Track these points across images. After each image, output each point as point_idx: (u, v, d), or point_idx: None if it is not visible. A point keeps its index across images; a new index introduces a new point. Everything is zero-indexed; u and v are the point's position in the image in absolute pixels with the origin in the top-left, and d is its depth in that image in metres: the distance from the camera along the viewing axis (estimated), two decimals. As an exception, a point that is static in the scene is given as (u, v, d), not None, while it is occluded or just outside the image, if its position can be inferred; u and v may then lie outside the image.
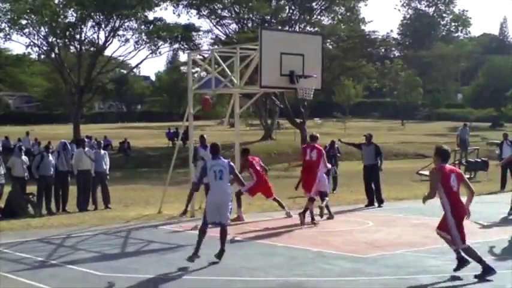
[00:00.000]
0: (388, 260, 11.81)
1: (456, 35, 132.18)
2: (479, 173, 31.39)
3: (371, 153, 21.12)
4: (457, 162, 32.01)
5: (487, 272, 10.17)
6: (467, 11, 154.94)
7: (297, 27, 52.64)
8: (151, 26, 53.64)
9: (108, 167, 21.81)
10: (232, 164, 12.13)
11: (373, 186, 20.94)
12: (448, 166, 10.63)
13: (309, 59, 17.46)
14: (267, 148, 51.59)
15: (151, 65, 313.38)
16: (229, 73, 19.02)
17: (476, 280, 10.05)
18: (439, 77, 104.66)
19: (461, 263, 10.46)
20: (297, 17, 54.59)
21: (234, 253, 12.48)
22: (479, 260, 10.29)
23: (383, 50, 62.35)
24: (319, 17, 55.43)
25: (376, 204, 20.70)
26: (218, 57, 19.05)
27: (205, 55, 22.42)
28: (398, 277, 10.49)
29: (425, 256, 12.08)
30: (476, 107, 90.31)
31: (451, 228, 10.42)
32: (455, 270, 10.47)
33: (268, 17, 53.57)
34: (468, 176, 30.63)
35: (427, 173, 31.99)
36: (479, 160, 32.07)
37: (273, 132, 61.30)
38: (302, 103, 49.31)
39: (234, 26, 56.47)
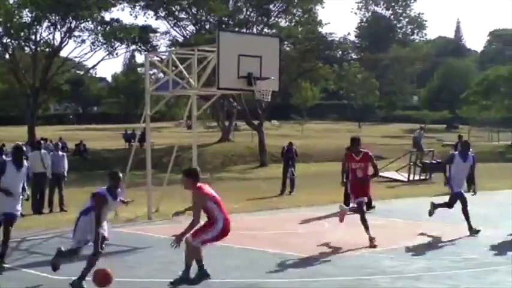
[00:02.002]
0: (346, 261, 11.87)
1: (412, 37, 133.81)
2: (435, 174, 31.72)
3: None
4: (412, 163, 32.34)
5: None
6: (423, 14, 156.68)
7: (254, 29, 52.67)
8: (108, 27, 53.13)
9: (66, 169, 21.63)
10: None
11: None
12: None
13: (267, 61, 17.45)
14: (224, 150, 51.62)
15: (108, 66, 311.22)
16: (187, 75, 18.94)
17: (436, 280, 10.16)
18: (395, 79, 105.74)
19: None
20: (254, 19, 54.58)
21: (191, 255, 12.41)
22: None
23: (340, 52, 62.53)
24: (276, 19, 55.47)
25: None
26: (176, 59, 18.96)
27: (163, 57, 22.24)
28: (356, 278, 10.55)
29: (383, 257, 12.17)
30: (431, 109, 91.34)
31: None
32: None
33: (226, 19, 53.46)
34: (424, 177, 31.24)
35: (384, 174, 32.42)
36: (434, 161, 32.43)
37: (230, 134, 61.29)
38: (260, 105, 49.38)
39: (191, 27, 56.26)
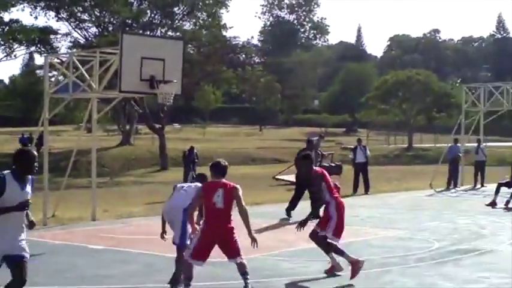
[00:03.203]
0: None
1: (315, 42, 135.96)
2: (334, 177, 32.28)
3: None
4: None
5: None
6: (325, 19, 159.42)
7: (158, 32, 52.34)
8: (7, 27, 51.72)
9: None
10: None
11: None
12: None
13: (170, 64, 17.37)
14: (124, 154, 51.07)
15: (5, 68, 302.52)
16: (88, 77, 18.65)
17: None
18: (297, 83, 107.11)
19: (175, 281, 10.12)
20: (158, 22, 54.25)
21: (88, 261, 12.27)
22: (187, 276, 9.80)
23: (244, 56, 62.87)
24: (181, 22, 55.32)
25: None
26: (76, 61, 18.68)
27: (64, 58, 21.88)
28: (253, 281, 10.61)
29: (280, 259, 12.32)
30: (332, 112, 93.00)
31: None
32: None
33: (129, 21, 52.88)
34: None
35: (283, 177, 32.82)
36: (333, 164, 33.06)
37: (131, 137, 60.67)
38: (162, 108, 49.12)
39: (94, 29, 55.36)
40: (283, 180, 32.69)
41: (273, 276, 10.92)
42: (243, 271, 9.36)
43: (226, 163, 9.67)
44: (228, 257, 9.46)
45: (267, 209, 20.98)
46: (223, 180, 9.38)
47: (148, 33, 48.19)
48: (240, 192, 9.23)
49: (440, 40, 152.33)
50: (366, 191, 26.57)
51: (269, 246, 13.69)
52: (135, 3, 54.49)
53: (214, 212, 9.27)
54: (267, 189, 29.37)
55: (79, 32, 55.27)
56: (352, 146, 31.90)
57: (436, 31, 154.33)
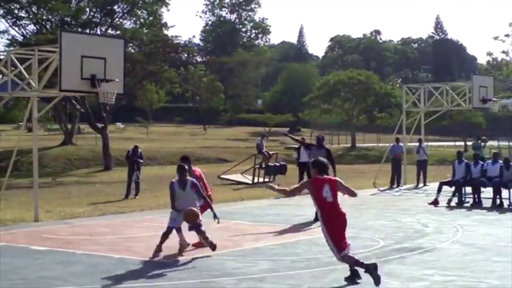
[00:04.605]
0: (191, 264, 11.88)
1: (257, 42, 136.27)
2: (278, 176, 32.40)
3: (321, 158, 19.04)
4: (257, 166, 32.86)
5: (355, 275, 10.34)
6: (267, 19, 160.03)
7: (98, 30, 51.75)
8: None
9: None
10: None
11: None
12: (321, 177, 10.48)
13: (111, 63, 17.22)
14: (66, 153, 50.38)
15: None
16: (27, 76, 18.34)
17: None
18: (240, 83, 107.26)
19: (353, 276, 10.30)
20: (98, 20, 53.62)
21: (31, 262, 12.04)
22: (355, 263, 10.20)
23: (186, 55, 62.69)
24: (121, 20, 54.81)
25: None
26: (15, 59, 18.34)
27: (1, 57, 21.43)
28: (201, 280, 10.57)
29: (227, 259, 12.27)
30: (275, 112, 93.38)
31: (327, 240, 10.28)
32: (345, 279, 10.34)
33: (69, 19, 52.13)
34: (268, 180, 31.83)
35: (228, 177, 32.79)
36: (278, 164, 33.14)
37: (73, 137, 59.88)
38: (104, 107, 48.62)
39: (32, 27, 54.47)
40: (228, 179, 32.66)
41: (220, 276, 10.86)
42: None
43: None
44: None
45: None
46: None
47: (88, 31, 47.57)
48: None
49: (380, 41, 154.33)
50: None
51: (217, 246, 13.63)
52: (73, 0, 53.77)
53: None
54: (213, 188, 29.23)
55: (16, 29, 54.33)
56: (296, 146, 32.02)
57: (377, 32, 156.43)
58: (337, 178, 10.85)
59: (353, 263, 10.23)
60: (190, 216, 12.58)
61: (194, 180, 13.13)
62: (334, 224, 10.21)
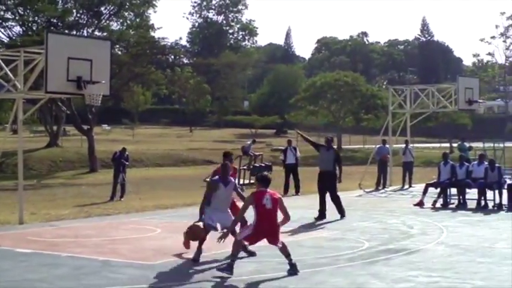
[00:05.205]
0: (175, 267, 11.87)
1: (244, 43, 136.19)
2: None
3: (330, 159, 18.87)
4: (245, 167, 32.85)
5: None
6: (254, 21, 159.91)
7: (85, 32, 51.60)
8: None
9: None
10: None
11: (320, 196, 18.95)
12: (264, 190, 11.31)
13: (97, 65, 17.20)
14: (52, 155, 50.21)
15: None
16: (13, 77, 18.28)
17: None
18: (227, 84, 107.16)
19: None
20: (85, 21, 53.48)
21: (16, 265, 12.00)
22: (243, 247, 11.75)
23: (172, 57, 62.56)
24: (108, 21, 54.67)
25: (326, 216, 18.64)
26: (0, 61, 18.28)
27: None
28: (184, 284, 10.56)
29: (213, 261, 12.25)
30: (262, 114, 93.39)
31: (243, 231, 11.45)
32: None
33: (55, 20, 51.96)
34: (254, 181, 31.78)
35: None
36: (263, 165, 33.14)
37: (58, 139, 59.66)
38: (90, 109, 48.52)
39: (18, 28, 54.23)
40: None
41: (204, 279, 10.86)
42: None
43: None
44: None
45: (198, 210, 20.80)
46: None
47: (74, 33, 47.43)
48: None
49: (367, 43, 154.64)
50: (297, 192, 26.75)
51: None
52: (60, 2, 53.59)
53: None
54: (199, 190, 29.18)
55: (2, 31, 54.09)
56: (282, 147, 32.04)
57: (364, 34, 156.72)
58: (280, 196, 11.48)
59: (241, 247, 11.58)
60: (194, 235, 12.70)
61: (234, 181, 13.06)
62: (263, 227, 11.12)
